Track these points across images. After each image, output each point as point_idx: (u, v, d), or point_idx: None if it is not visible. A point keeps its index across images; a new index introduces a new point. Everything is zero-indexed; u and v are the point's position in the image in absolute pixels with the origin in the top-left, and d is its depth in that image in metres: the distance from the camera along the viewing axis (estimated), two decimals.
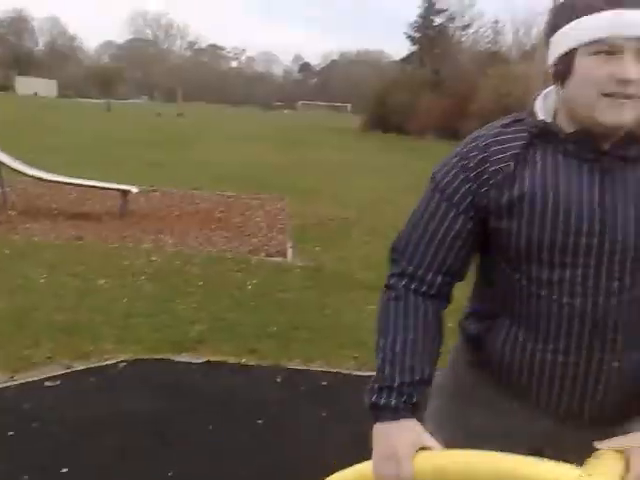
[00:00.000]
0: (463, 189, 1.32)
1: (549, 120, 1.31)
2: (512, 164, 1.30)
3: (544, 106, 1.33)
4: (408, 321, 1.33)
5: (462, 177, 1.32)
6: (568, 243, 1.27)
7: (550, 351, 1.32)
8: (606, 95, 1.21)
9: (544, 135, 1.30)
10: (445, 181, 1.34)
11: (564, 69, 1.26)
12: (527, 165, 1.30)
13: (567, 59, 1.25)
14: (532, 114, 1.32)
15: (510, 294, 1.35)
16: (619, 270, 1.27)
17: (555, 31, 1.27)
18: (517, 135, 1.32)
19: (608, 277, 1.28)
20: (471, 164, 1.32)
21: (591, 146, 1.27)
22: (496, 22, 48.55)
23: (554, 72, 1.29)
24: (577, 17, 1.23)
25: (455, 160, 1.34)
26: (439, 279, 1.36)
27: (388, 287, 1.39)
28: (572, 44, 1.24)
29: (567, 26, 1.25)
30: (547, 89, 1.37)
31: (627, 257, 1.27)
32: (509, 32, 73.15)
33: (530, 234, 1.28)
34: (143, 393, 3.60)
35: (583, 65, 1.23)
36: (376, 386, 1.30)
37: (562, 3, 1.29)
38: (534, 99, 1.36)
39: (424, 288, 1.36)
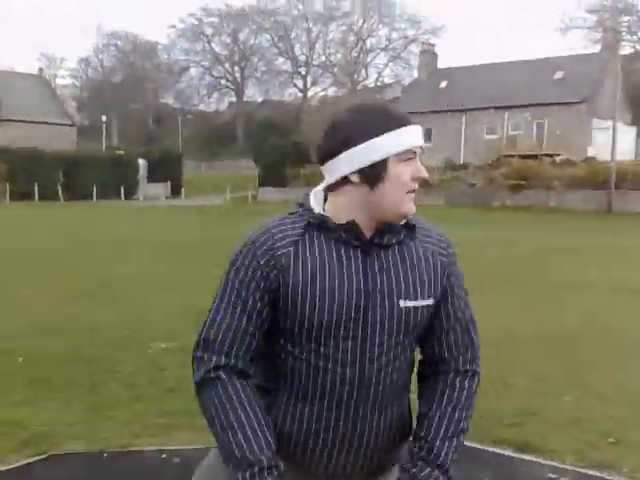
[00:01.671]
0: (258, 274, 1.50)
1: (323, 213, 1.53)
2: (292, 249, 1.50)
3: (316, 202, 1.56)
4: (250, 405, 1.49)
5: (254, 263, 1.50)
6: (337, 320, 1.49)
7: (324, 417, 1.54)
8: (408, 192, 1.52)
9: (321, 225, 1.52)
10: (242, 266, 1.52)
11: (377, 175, 1.49)
12: (305, 251, 1.51)
13: (379, 167, 1.48)
14: (309, 208, 1.54)
15: (290, 370, 1.54)
16: (379, 337, 1.52)
17: (350, 145, 1.48)
18: (295, 225, 1.53)
19: (371, 345, 1.52)
20: (260, 250, 1.50)
21: (356, 234, 1.51)
22: None
23: (363, 179, 1.50)
24: (388, 131, 1.48)
25: (249, 246, 1.52)
26: (249, 364, 1.54)
27: (214, 379, 1.51)
28: (390, 152, 1.48)
29: (380, 138, 1.48)
30: (316, 189, 1.61)
31: (385, 327, 1.52)
32: None
33: (307, 314, 1.49)
34: None
35: (396, 170, 1.49)
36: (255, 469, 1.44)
37: (354, 121, 1.51)
38: (307, 195, 1.59)
39: (243, 374, 1.53)
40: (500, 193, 32.90)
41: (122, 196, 41.21)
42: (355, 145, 1.48)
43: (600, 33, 49.40)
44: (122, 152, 47.03)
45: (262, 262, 1.49)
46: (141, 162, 46.40)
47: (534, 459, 3.89)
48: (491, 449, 3.98)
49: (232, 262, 1.54)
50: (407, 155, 1.49)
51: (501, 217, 26.98)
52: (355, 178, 1.49)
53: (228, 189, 40.30)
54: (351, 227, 1.50)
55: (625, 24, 53.19)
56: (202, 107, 74.97)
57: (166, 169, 46.79)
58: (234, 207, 34.04)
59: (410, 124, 1.51)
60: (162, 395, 4.83)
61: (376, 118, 1.50)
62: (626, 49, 48.91)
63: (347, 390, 1.52)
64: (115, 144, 59.20)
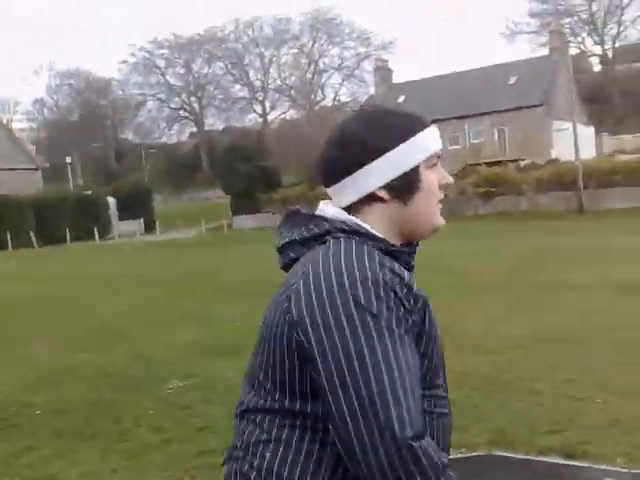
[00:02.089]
0: (410, 321, 1.20)
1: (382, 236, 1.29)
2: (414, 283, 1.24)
3: (360, 224, 1.29)
4: None
5: (403, 310, 1.19)
6: (442, 353, 1.34)
7: None
8: (439, 202, 1.35)
9: (393, 252, 1.28)
10: (391, 318, 1.17)
11: (410, 186, 1.29)
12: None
13: (412, 176, 1.29)
14: (371, 234, 1.27)
15: None
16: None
17: (376, 155, 1.27)
18: (383, 256, 1.24)
19: (444, 372, 1.36)
20: (398, 289, 1.19)
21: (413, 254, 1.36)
22: None
23: (393, 193, 1.29)
24: (413, 134, 1.29)
25: (382, 289, 1.17)
26: None
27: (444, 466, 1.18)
28: (420, 158, 1.29)
29: (407, 143, 1.28)
30: (333, 209, 1.32)
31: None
32: None
33: (437, 352, 1.29)
34: None
35: (427, 178, 1.31)
36: None
37: (373, 128, 1.30)
38: (343, 221, 1.29)
39: None
40: (472, 202, 33.27)
41: (96, 237, 40.71)
42: (380, 155, 1.28)
43: (545, 37, 50.72)
44: (90, 192, 46.57)
45: (408, 305, 1.19)
46: (110, 200, 45.95)
47: (586, 464, 3.86)
48: (539, 458, 3.99)
49: (375, 317, 1.15)
50: (433, 160, 1.32)
51: (476, 226, 27.24)
52: (384, 194, 1.29)
53: (203, 221, 40.19)
54: (413, 251, 1.36)
55: (567, 26, 54.81)
56: (164, 139, 74.90)
57: (137, 205, 46.41)
58: (213, 238, 33.91)
59: (430, 124, 1.34)
60: (193, 435, 4.86)
61: (397, 121, 1.32)
62: (572, 50, 50.22)
63: (449, 430, 1.35)
64: (80, 184, 58.66)
